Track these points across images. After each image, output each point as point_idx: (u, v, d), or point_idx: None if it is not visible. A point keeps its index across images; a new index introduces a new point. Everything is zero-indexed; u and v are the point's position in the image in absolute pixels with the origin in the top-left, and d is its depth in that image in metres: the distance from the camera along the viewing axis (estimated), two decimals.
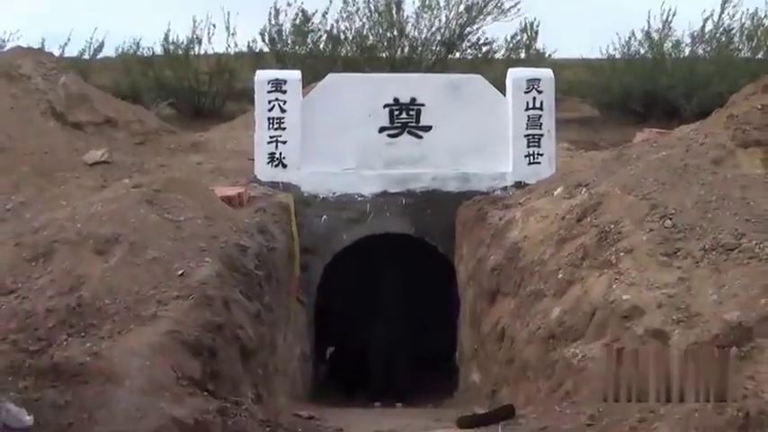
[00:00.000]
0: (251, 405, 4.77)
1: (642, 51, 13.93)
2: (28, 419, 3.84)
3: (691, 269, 4.87)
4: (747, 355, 4.05)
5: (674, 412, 3.75)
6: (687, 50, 13.79)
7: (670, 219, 5.37)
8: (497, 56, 14.68)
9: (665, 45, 13.85)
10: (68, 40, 15.29)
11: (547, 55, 14.81)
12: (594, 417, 3.95)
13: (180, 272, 5.49)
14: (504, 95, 8.59)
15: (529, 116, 8.46)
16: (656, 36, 13.86)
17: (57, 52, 13.28)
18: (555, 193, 6.84)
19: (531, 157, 8.48)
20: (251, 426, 4.27)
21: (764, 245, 4.87)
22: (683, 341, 4.28)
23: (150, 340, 4.69)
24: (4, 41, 14.63)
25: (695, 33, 13.73)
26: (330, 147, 8.42)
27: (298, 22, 14.49)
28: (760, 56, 13.59)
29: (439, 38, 14.45)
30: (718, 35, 13.64)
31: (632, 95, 13.40)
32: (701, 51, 13.66)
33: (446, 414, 5.75)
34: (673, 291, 4.67)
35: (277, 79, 8.40)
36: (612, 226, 5.49)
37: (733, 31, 13.66)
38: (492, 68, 12.97)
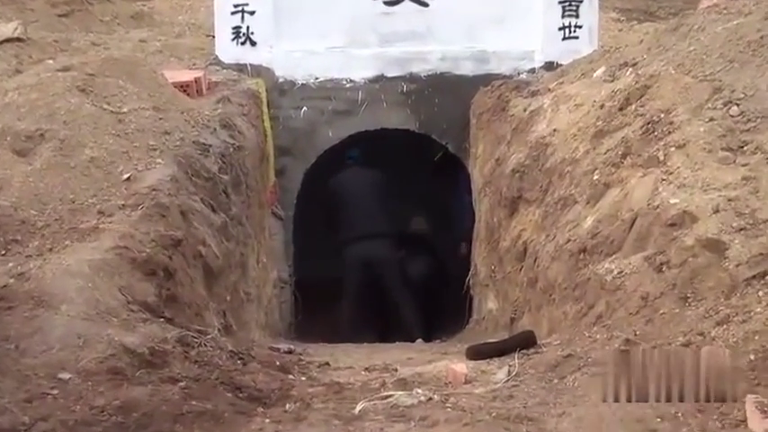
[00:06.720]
0: (217, 336, 5.01)
1: None
2: None
3: (759, 167, 5.00)
4: None
5: (727, 335, 3.97)
6: None
7: (737, 105, 5.49)
8: None
9: None
10: None
11: None
12: (630, 341, 4.18)
13: (125, 176, 5.69)
14: None
15: None
16: None
17: None
18: (594, 75, 6.96)
19: (567, 30, 8.58)
20: (219, 357, 4.49)
21: None
22: (744, 253, 4.47)
23: (91, 258, 4.85)
24: None
25: None
26: (311, 18, 8.52)
27: None
28: None
29: None
30: None
31: None
32: None
33: (455, 348, 6.02)
34: (734, 193, 4.82)
35: None
36: (663, 115, 5.62)
37: None
38: None
